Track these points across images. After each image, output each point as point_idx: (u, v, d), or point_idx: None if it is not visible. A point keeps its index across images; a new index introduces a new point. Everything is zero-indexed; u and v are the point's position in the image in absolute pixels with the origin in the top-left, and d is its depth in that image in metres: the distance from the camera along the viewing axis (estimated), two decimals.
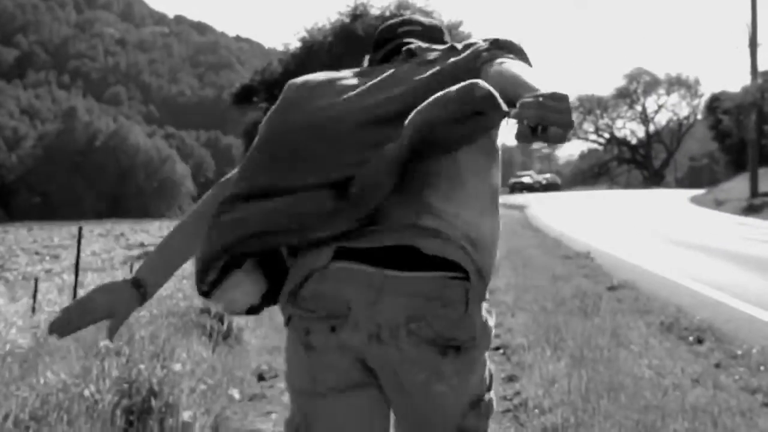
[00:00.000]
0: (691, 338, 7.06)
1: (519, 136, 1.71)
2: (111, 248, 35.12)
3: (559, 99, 1.65)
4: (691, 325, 7.53)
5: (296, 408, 2.11)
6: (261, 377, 6.32)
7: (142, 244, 38.64)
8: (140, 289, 2.21)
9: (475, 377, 2.05)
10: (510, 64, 2.04)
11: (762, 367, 6.01)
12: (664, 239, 20.12)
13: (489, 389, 2.13)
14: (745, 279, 11.85)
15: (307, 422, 2.07)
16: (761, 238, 19.92)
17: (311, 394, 2.05)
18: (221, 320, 7.08)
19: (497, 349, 6.86)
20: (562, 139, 1.66)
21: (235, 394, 5.31)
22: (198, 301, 7.30)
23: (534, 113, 1.65)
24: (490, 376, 2.15)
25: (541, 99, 1.65)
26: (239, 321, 7.27)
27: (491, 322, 2.09)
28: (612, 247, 16.36)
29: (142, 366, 4.82)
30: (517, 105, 1.70)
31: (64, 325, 2.13)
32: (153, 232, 52.27)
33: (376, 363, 1.98)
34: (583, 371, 5.31)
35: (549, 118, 1.65)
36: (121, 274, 16.75)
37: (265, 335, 7.58)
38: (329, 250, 1.98)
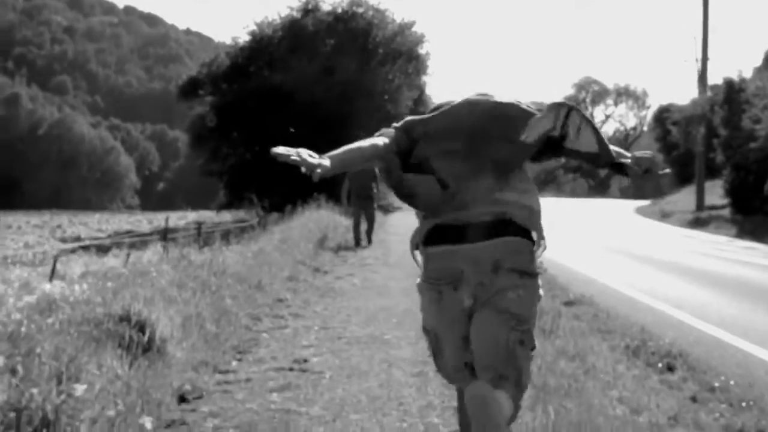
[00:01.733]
0: (660, 365, 6.44)
1: (632, 173, 3.42)
2: (46, 240, 33.89)
3: (656, 159, 3.47)
4: (659, 349, 6.91)
5: (429, 333, 3.49)
6: (182, 398, 5.56)
7: (78, 238, 37.40)
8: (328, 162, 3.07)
9: (533, 301, 3.33)
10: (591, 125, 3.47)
11: (743, 404, 5.42)
12: (616, 251, 19.69)
13: (534, 325, 3.37)
14: (702, 297, 11.38)
15: (437, 337, 3.43)
16: (710, 252, 19.59)
17: (439, 325, 3.39)
18: (142, 330, 6.30)
19: None
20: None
21: (147, 423, 4.56)
22: (117, 307, 6.51)
23: (647, 163, 3.46)
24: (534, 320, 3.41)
25: (651, 156, 3.48)
26: (163, 331, 6.50)
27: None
28: (564, 258, 15.80)
29: (35, 390, 4.08)
30: (632, 156, 3.52)
31: (283, 153, 2.97)
32: (92, 224, 50.86)
33: (481, 296, 3.22)
34: (550, 407, 4.66)
35: (656, 167, 3.47)
36: (45, 270, 15.83)
37: (192, 347, 6.82)
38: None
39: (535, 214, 3.43)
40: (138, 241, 25.20)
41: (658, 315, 9.57)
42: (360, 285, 11.87)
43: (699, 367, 6.41)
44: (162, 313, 6.85)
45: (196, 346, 6.89)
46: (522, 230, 3.33)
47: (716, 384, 5.83)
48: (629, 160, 3.43)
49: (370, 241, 18.38)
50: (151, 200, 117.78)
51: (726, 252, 19.76)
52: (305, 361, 6.74)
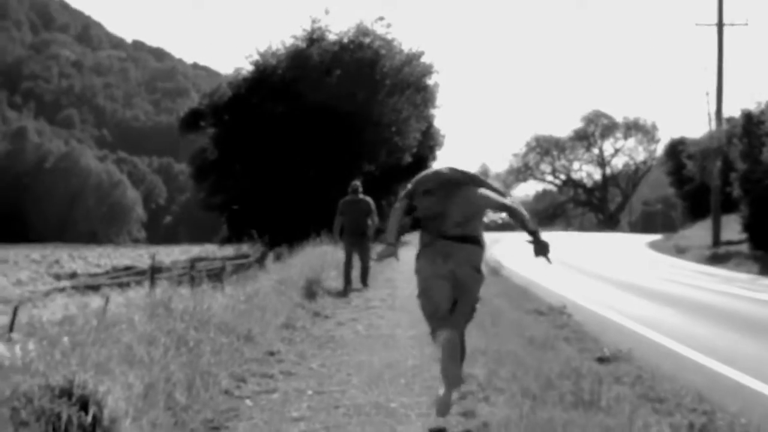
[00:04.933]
0: None
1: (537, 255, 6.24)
2: (39, 277, 32.52)
3: (548, 245, 6.21)
4: (732, 429, 5.56)
5: (422, 284, 6.06)
6: None
7: (74, 274, 36.05)
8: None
9: (480, 283, 6.17)
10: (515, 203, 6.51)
11: None
12: (639, 292, 18.38)
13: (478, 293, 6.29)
14: (755, 351, 10.05)
15: (427, 287, 6.00)
16: (742, 294, 18.22)
17: (433, 277, 5.96)
18: (84, 408, 4.98)
19: None
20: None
21: None
22: (59, 377, 5.19)
23: (543, 250, 6.17)
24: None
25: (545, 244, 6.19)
26: (115, 407, 5.17)
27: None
28: (588, 300, 14.45)
29: None
30: (534, 240, 6.17)
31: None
32: (91, 259, 49.42)
33: (458, 273, 5.94)
34: None
35: (546, 254, 6.19)
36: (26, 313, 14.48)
37: (153, 425, 5.47)
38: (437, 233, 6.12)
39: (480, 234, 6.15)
40: (133, 280, 23.85)
41: (710, 375, 8.22)
42: (364, 333, 10.52)
43: None
44: (117, 381, 5.54)
45: (159, 424, 5.55)
46: (477, 241, 6.09)
47: None
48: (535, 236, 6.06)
49: (365, 284, 16.27)
50: (158, 233, 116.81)
51: (759, 293, 18.37)
52: None
